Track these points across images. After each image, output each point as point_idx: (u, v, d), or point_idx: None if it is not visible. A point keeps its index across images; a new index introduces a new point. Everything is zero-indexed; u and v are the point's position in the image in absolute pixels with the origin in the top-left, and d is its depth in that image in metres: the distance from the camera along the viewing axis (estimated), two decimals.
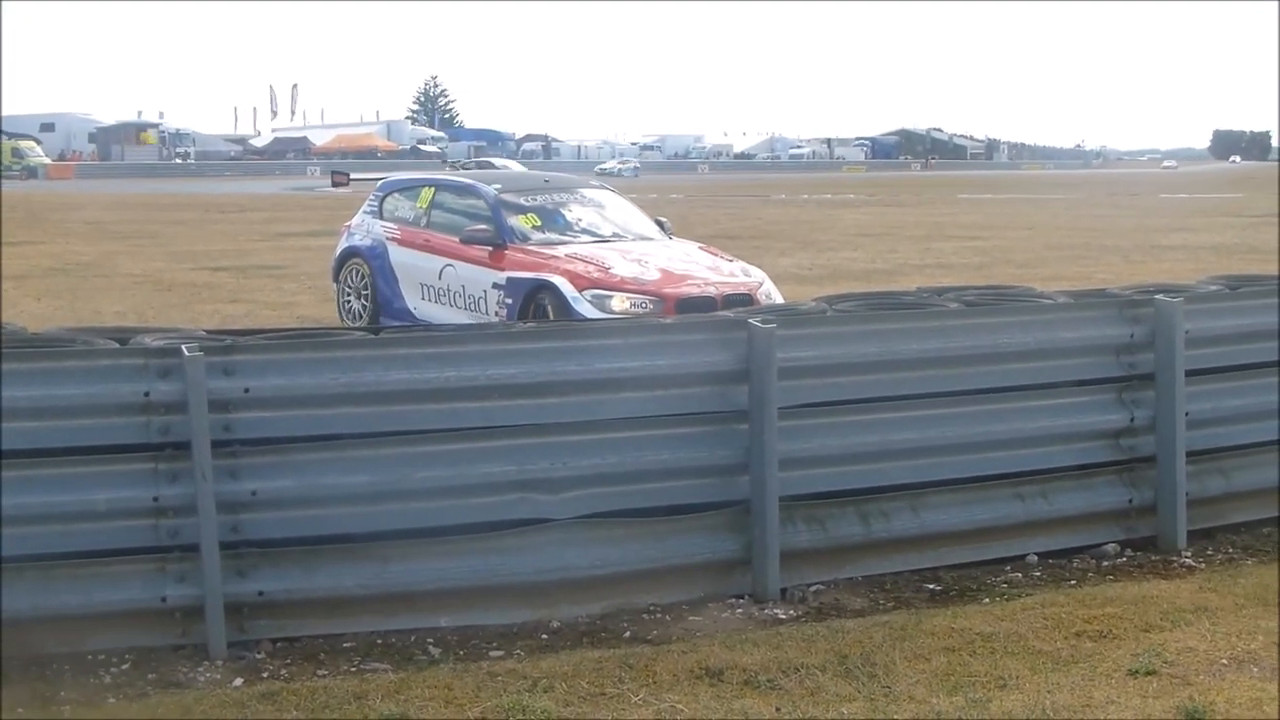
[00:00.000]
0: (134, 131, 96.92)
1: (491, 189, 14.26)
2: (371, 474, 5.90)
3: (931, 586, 6.52)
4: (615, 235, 14.05)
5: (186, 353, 5.65)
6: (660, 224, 14.93)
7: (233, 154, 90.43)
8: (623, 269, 12.86)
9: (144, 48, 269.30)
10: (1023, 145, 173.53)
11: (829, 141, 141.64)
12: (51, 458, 5.69)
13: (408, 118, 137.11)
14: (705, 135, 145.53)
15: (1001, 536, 6.73)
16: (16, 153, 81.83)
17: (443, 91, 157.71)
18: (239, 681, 5.50)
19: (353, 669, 5.62)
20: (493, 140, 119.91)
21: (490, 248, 13.24)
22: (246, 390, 5.77)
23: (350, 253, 14.96)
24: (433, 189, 14.97)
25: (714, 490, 6.33)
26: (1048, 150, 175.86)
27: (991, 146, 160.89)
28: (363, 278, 14.66)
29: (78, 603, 5.66)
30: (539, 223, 13.79)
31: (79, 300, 17.06)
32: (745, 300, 12.41)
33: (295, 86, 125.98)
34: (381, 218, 14.91)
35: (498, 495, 6.03)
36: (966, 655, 5.60)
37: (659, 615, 6.15)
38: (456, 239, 13.65)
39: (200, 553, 5.65)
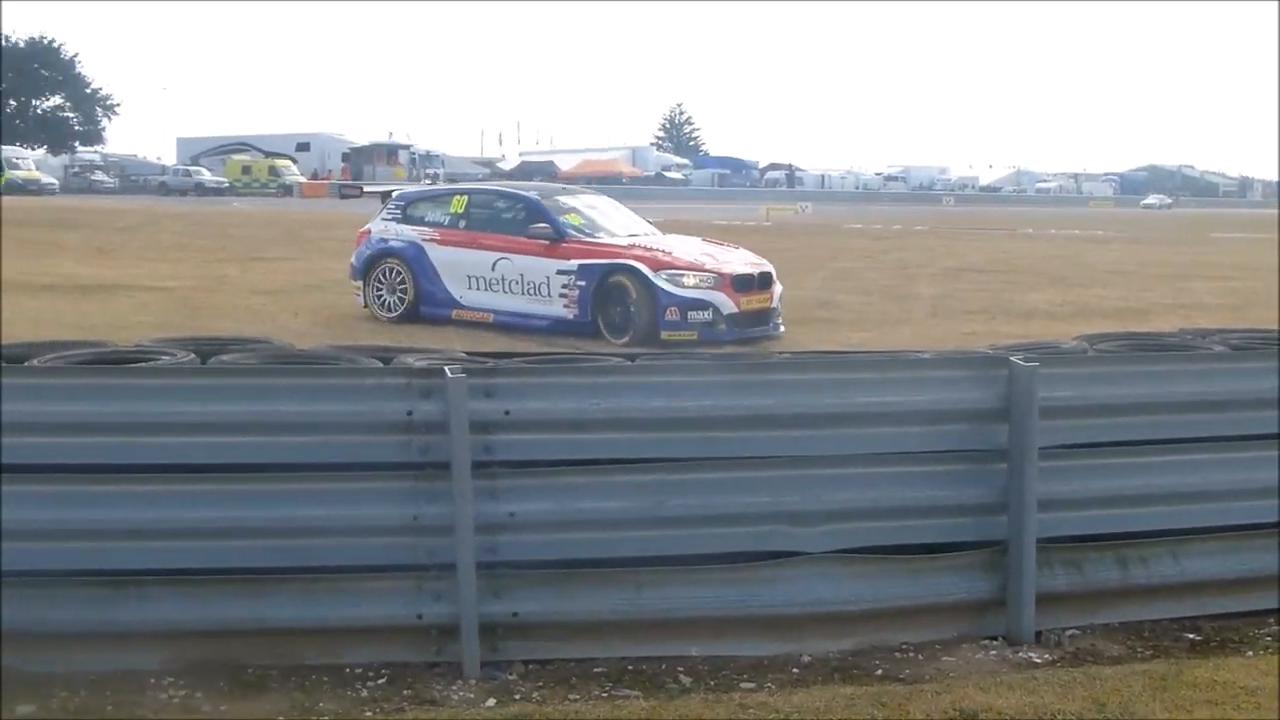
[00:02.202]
0: (384, 152, 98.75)
1: (533, 194, 17.20)
2: (627, 500, 5.89)
3: (1191, 636, 6.32)
4: (636, 232, 17.01)
5: (449, 374, 5.69)
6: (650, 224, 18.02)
7: (480, 176, 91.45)
8: (681, 254, 15.78)
9: (395, 71, 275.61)
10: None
11: (1076, 176, 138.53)
12: (315, 472, 5.77)
13: (653, 144, 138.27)
14: (950, 167, 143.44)
15: (1266, 587, 6.49)
16: (273, 171, 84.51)
17: (688, 119, 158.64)
18: (491, 702, 5.52)
19: (604, 694, 5.60)
20: (736, 168, 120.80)
21: (547, 241, 15.92)
22: (507, 412, 5.79)
23: (382, 254, 17.15)
24: (465, 196, 17.53)
25: (969, 529, 6.21)
26: None
27: (1245, 184, 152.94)
28: (398, 274, 16.90)
29: (337, 616, 5.75)
30: (582, 222, 16.59)
31: (334, 318, 17.37)
32: (769, 277, 16.03)
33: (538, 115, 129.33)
34: (408, 222, 17.25)
35: (751, 526, 5.98)
36: (1230, 709, 5.39)
37: (911, 654, 6.04)
38: (509, 236, 16.33)
39: (457, 572, 5.70)
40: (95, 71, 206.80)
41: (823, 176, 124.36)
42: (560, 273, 15.79)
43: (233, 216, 47.11)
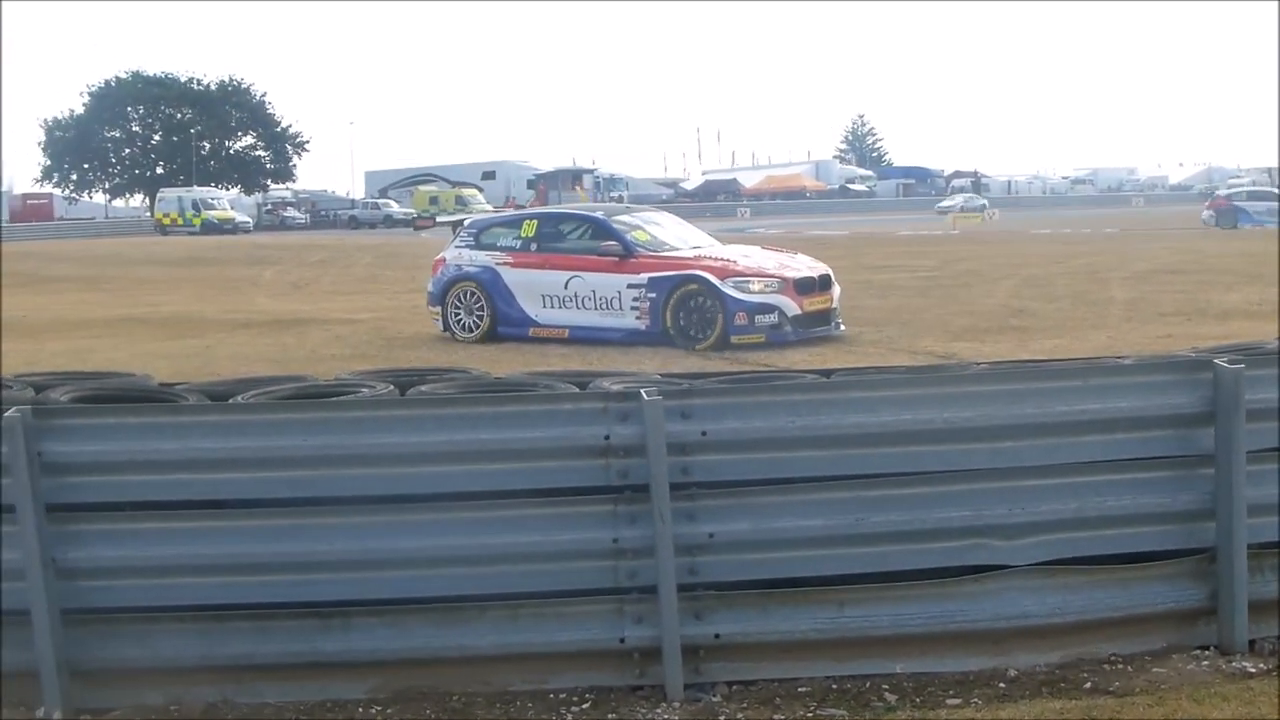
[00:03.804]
0: (569, 178, 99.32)
1: (600, 214, 18.18)
2: (827, 517, 5.83)
3: None
4: (698, 244, 17.98)
5: (646, 397, 5.67)
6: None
7: (664, 197, 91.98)
8: (744, 262, 16.77)
9: (578, 96, 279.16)
10: None
11: (1270, 171, 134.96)
12: (516, 499, 5.79)
13: (835, 157, 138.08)
14: (1139, 167, 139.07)
15: None
16: (459, 200, 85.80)
17: (870, 130, 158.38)
18: None
19: (809, 714, 5.56)
20: (921, 177, 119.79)
21: (616, 258, 16.81)
22: (704, 433, 5.77)
23: (457, 278, 18.02)
24: (535, 220, 18.39)
25: (1176, 537, 6.07)
26: None
27: None
28: (474, 297, 17.79)
29: (541, 641, 5.78)
30: (647, 237, 17.50)
31: (524, 344, 17.57)
32: (829, 280, 17.11)
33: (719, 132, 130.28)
34: (480, 248, 18.10)
35: (954, 541, 5.90)
36: None
37: (1120, 665, 5.92)
38: (579, 255, 17.25)
39: (658, 595, 5.69)
40: (284, 109, 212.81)
41: (1009, 182, 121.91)
42: (631, 286, 16.72)
43: (421, 247, 47.79)
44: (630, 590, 5.78)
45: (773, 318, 16.17)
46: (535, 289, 17.41)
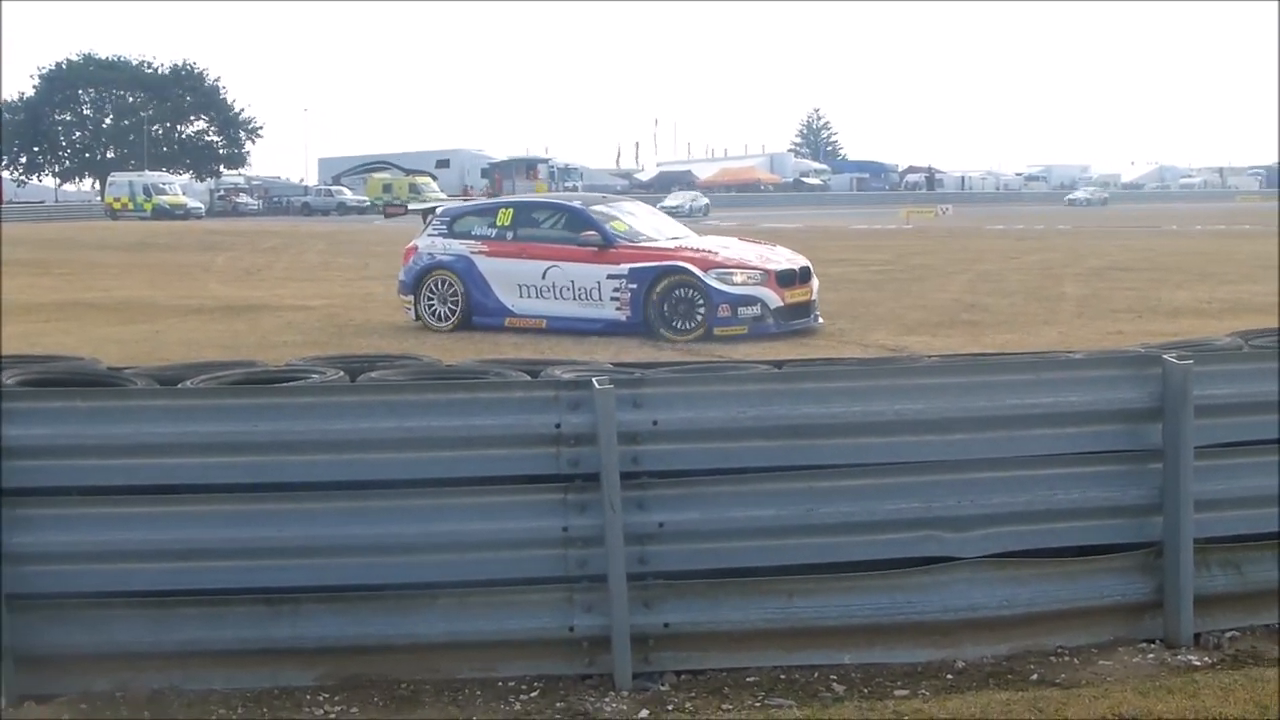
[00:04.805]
0: (524, 167, 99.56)
1: (577, 203, 18.13)
2: (777, 508, 5.84)
3: None
4: (675, 235, 17.91)
5: (597, 385, 5.66)
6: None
7: (619, 188, 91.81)
8: (725, 254, 16.74)
9: (534, 85, 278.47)
10: None
11: (1221, 170, 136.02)
12: (466, 487, 5.77)
13: (791, 150, 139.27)
14: (1091, 165, 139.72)
15: None
16: (413, 188, 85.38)
17: (825, 124, 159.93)
18: (645, 714, 5.50)
19: (757, 704, 5.56)
20: (875, 172, 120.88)
21: (596, 248, 16.70)
22: (655, 423, 5.76)
23: (431, 267, 17.83)
24: (511, 209, 18.13)
25: (1124, 531, 6.11)
26: None
27: None
28: (449, 286, 17.59)
29: (490, 629, 5.76)
30: (625, 227, 17.35)
31: (476, 331, 17.58)
32: (809, 272, 17.14)
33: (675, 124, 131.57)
34: (455, 237, 17.90)
35: (904, 532, 5.92)
36: None
37: (1067, 658, 5.96)
38: (557, 245, 17.12)
39: (608, 583, 5.68)
40: (238, 95, 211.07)
41: (963, 178, 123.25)
42: (611, 277, 16.63)
43: (375, 234, 47.65)
44: (580, 579, 5.77)
45: (755, 310, 16.14)
46: (512, 278, 17.30)
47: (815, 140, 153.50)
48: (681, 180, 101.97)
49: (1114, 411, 6.05)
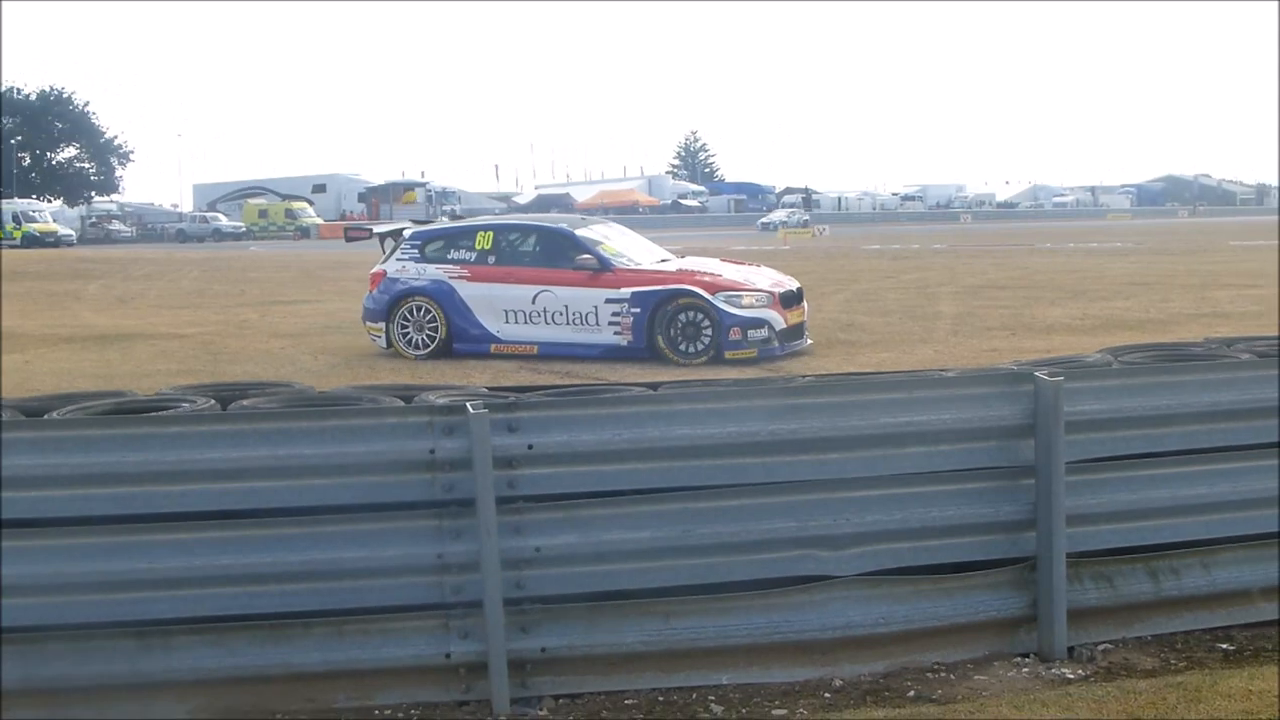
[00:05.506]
0: (401, 190, 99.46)
1: (564, 226, 17.53)
2: (654, 529, 5.84)
3: (1225, 646, 6.27)
4: (661, 257, 17.52)
5: (471, 410, 5.64)
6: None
7: (496, 211, 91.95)
8: (729, 276, 16.45)
9: (409, 109, 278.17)
10: None
11: (1093, 189, 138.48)
12: (340, 514, 5.72)
13: (669, 173, 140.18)
14: (967, 185, 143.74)
15: None
16: (289, 214, 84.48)
17: (703, 146, 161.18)
18: None
19: None
20: (752, 193, 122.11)
21: (591, 272, 16.30)
22: (530, 447, 5.74)
23: (406, 293, 17.13)
24: (491, 232, 17.50)
25: (999, 546, 6.16)
26: None
27: (1262, 191, 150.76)
28: (426, 312, 16.97)
29: (366, 658, 5.72)
30: (617, 250, 17.01)
31: (355, 358, 17.43)
32: (801, 293, 17.01)
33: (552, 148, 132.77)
34: (428, 261, 17.30)
35: (780, 551, 5.94)
36: (1267, 718, 5.37)
37: (943, 674, 6.01)
38: (548, 269, 16.65)
39: (484, 610, 5.65)
40: (109, 120, 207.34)
41: (839, 198, 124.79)
42: (610, 301, 16.21)
43: (250, 261, 47.30)
44: (456, 606, 5.74)
45: (764, 332, 15.85)
46: (497, 303, 16.76)
47: (693, 162, 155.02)
48: (560, 204, 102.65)
49: (987, 429, 6.10)
